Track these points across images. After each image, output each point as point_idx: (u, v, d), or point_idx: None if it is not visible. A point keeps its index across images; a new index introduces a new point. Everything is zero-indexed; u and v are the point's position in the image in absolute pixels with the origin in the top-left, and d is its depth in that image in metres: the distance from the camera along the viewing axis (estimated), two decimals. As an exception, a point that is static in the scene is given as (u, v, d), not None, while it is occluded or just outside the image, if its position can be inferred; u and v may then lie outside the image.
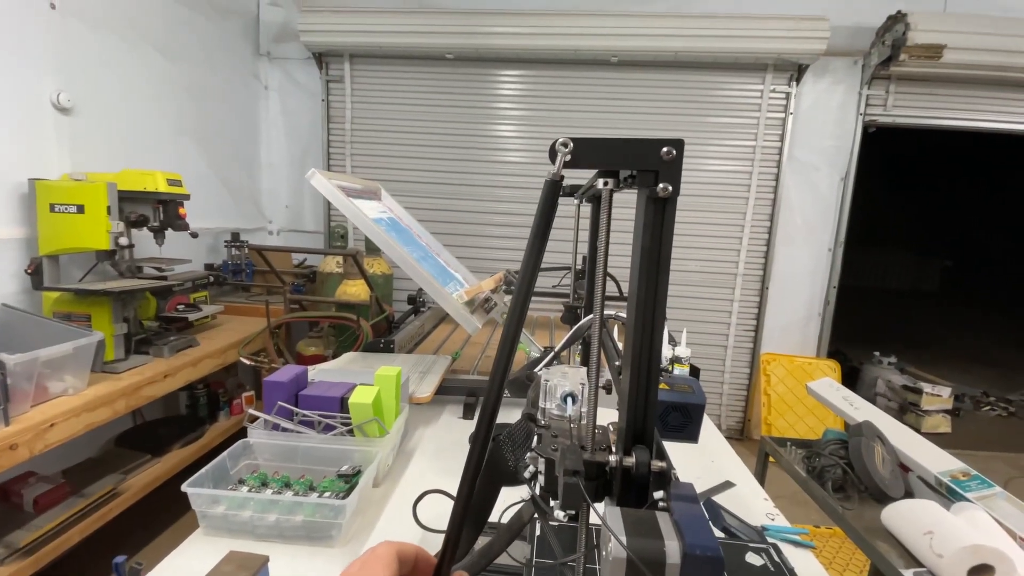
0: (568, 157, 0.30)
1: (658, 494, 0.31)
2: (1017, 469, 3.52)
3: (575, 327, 0.59)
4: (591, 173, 0.47)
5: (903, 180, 8.84)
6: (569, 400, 0.39)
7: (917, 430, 3.72)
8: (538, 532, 0.75)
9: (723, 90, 3.24)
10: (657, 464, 0.31)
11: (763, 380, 3.32)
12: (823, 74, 3.18)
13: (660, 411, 0.49)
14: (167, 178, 1.97)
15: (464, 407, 1.46)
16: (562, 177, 0.30)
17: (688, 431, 0.50)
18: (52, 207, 1.79)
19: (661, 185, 0.29)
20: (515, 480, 0.35)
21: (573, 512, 0.35)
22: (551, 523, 0.34)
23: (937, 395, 3.75)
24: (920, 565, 1.01)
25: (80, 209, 1.78)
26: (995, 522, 1.07)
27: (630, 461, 0.32)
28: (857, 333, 6.20)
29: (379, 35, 3.17)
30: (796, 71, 3.15)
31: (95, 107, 2.17)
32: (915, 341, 6.72)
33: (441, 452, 1.24)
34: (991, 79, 3.04)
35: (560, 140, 0.29)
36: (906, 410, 3.87)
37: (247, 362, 2.09)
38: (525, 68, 3.34)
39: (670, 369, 1.52)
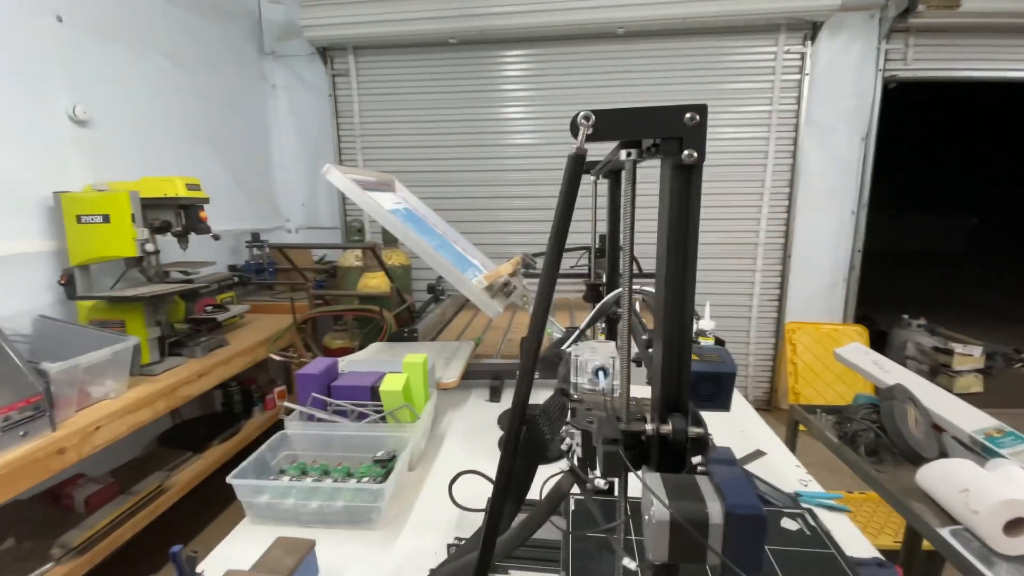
0: (590, 130, 0.30)
1: (696, 459, 0.31)
2: (1056, 426, 3.44)
3: (599, 304, 0.59)
4: (607, 148, 0.47)
5: (927, 138, 8.52)
6: (600, 374, 0.40)
7: (949, 391, 3.66)
8: (572, 507, 0.77)
9: (735, 55, 3.15)
10: (694, 430, 0.32)
11: (789, 349, 3.27)
12: (838, 31, 3.07)
13: (693, 382, 0.50)
14: (186, 183, 2.01)
15: (490, 390, 1.48)
16: (586, 151, 0.30)
17: (720, 400, 0.50)
18: (79, 219, 1.84)
19: (686, 152, 0.29)
20: (551, 454, 0.36)
21: (612, 482, 0.35)
22: (590, 493, 0.34)
23: (968, 355, 3.66)
24: (956, 523, 1.01)
25: (106, 219, 1.82)
26: (1034, 477, 1.05)
27: (667, 429, 0.32)
28: (885, 297, 6.07)
29: (381, 24, 3.15)
30: (811, 29, 3.04)
31: (110, 118, 2.21)
32: (944, 302, 6.56)
33: (471, 434, 1.26)
34: (1012, 26, 2.91)
35: (582, 113, 0.29)
36: (937, 372, 3.79)
37: (277, 358, 2.15)
38: (530, 47, 3.29)
39: (697, 342, 1.51)
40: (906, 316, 4.26)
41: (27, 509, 1.67)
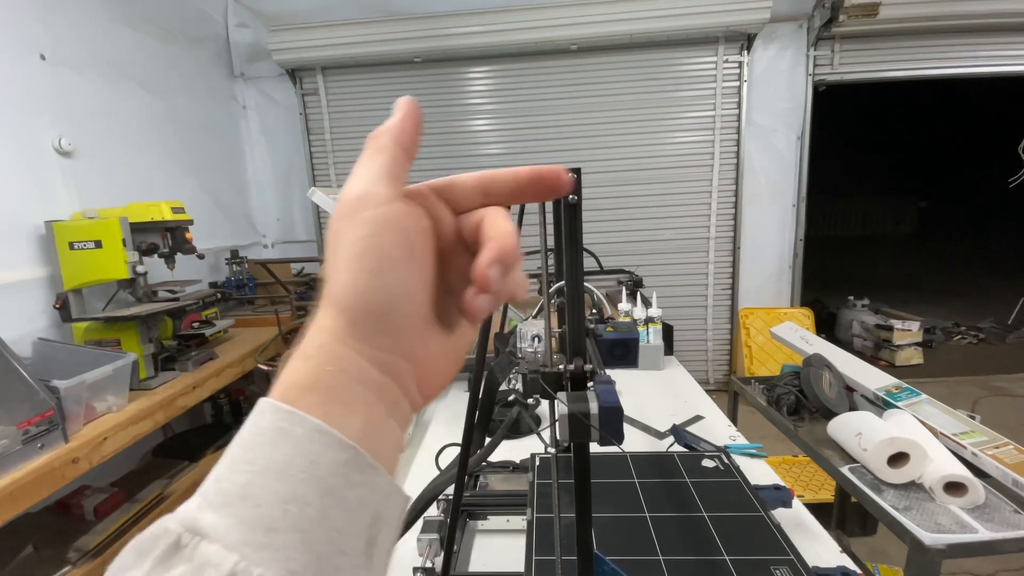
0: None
1: (590, 384, 0.51)
2: (986, 389, 3.79)
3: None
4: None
5: (866, 132, 9.06)
6: (536, 339, 0.58)
7: (892, 364, 3.99)
8: (537, 463, 0.96)
9: (679, 65, 3.41)
10: (588, 367, 0.51)
11: (743, 333, 3.55)
12: (771, 40, 3.36)
13: (608, 346, 0.68)
14: (171, 207, 2.13)
15: (468, 382, 1.65)
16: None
17: (629, 359, 0.69)
18: (71, 245, 1.94)
19: (571, 196, 0.48)
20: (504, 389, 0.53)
21: (540, 399, 0.54)
22: (531, 408, 0.53)
23: (907, 330, 4.00)
24: (854, 462, 1.23)
25: (98, 244, 1.93)
26: (918, 422, 1.29)
27: (571, 367, 0.51)
28: (837, 281, 6.49)
29: (347, 46, 3.30)
30: (746, 40, 3.32)
31: (93, 147, 2.31)
32: (892, 283, 7.01)
33: (453, 420, 1.43)
34: (927, 29, 3.24)
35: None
36: (880, 347, 4.13)
37: (265, 368, 2.28)
38: (491, 64, 3.49)
39: (646, 328, 1.72)
40: (851, 298, 4.61)
41: (40, 520, 1.77)
